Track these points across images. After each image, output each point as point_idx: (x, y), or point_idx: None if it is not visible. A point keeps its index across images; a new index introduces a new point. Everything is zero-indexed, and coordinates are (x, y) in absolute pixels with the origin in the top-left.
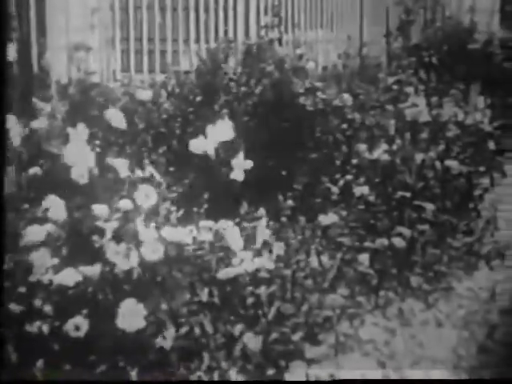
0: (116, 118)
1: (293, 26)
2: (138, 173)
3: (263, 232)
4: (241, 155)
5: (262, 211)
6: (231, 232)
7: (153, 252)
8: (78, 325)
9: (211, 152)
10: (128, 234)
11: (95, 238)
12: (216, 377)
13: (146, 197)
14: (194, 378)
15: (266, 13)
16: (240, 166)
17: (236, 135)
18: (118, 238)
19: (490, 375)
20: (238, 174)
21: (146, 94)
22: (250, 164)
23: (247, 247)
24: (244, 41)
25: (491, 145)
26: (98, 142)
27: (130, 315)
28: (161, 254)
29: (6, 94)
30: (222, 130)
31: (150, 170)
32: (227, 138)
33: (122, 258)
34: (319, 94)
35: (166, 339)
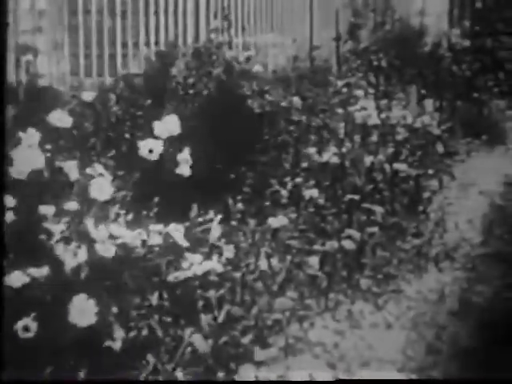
0: (62, 119)
1: (243, 30)
2: (89, 171)
3: (213, 235)
4: (186, 150)
5: (211, 214)
6: (181, 235)
7: (105, 251)
8: (27, 326)
9: (159, 152)
10: (79, 234)
11: (44, 238)
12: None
13: (100, 190)
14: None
15: (215, 16)
16: (185, 161)
17: (183, 137)
18: (67, 238)
19: (439, 376)
20: (183, 169)
21: (89, 95)
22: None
23: (197, 250)
24: (192, 44)
25: (439, 147)
26: (48, 146)
27: (81, 311)
28: (112, 252)
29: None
30: (169, 126)
31: (100, 170)
32: (175, 133)
33: (72, 259)
34: (267, 96)
35: (116, 341)
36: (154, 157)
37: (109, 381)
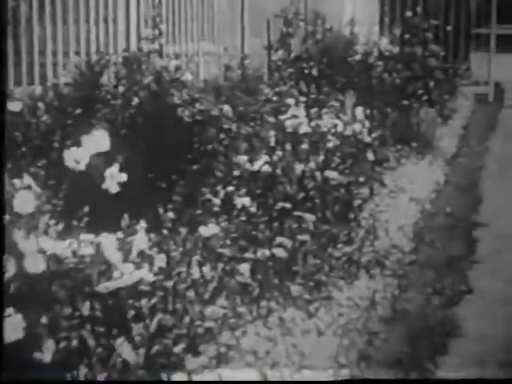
0: None
1: (174, 39)
2: (16, 182)
3: (144, 245)
4: (116, 166)
5: (142, 224)
6: (112, 245)
7: (34, 263)
8: None
9: (85, 162)
10: (7, 246)
11: None
12: None
13: (23, 203)
14: None
15: (146, 25)
16: (113, 177)
17: (113, 147)
18: None
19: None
20: (110, 185)
21: (15, 106)
22: (124, 177)
23: (128, 260)
24: (123, 53)
25: (370, 155)
26: None
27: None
28: (43, 266)
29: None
30: (97, 141)
31: (28, 181)
32: (103, 149)
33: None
34: (197, 105)
35: (46, 353)
36: (81, 167)
37: (109, 381)
